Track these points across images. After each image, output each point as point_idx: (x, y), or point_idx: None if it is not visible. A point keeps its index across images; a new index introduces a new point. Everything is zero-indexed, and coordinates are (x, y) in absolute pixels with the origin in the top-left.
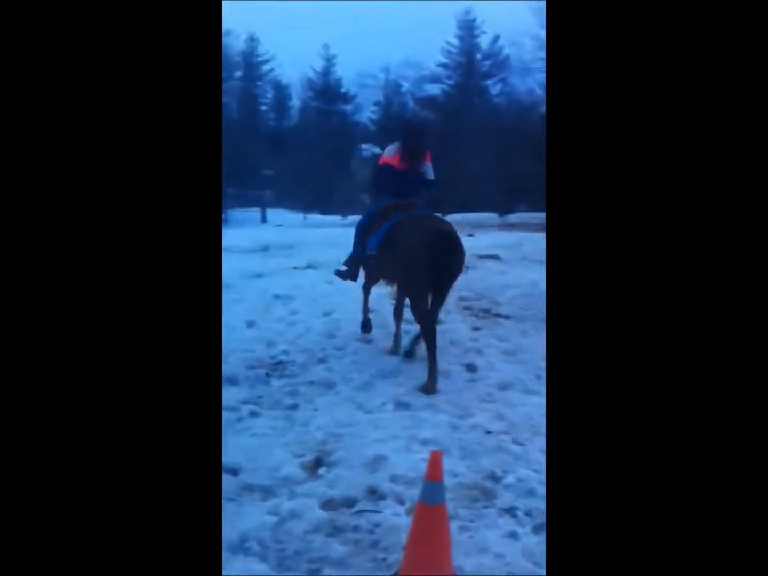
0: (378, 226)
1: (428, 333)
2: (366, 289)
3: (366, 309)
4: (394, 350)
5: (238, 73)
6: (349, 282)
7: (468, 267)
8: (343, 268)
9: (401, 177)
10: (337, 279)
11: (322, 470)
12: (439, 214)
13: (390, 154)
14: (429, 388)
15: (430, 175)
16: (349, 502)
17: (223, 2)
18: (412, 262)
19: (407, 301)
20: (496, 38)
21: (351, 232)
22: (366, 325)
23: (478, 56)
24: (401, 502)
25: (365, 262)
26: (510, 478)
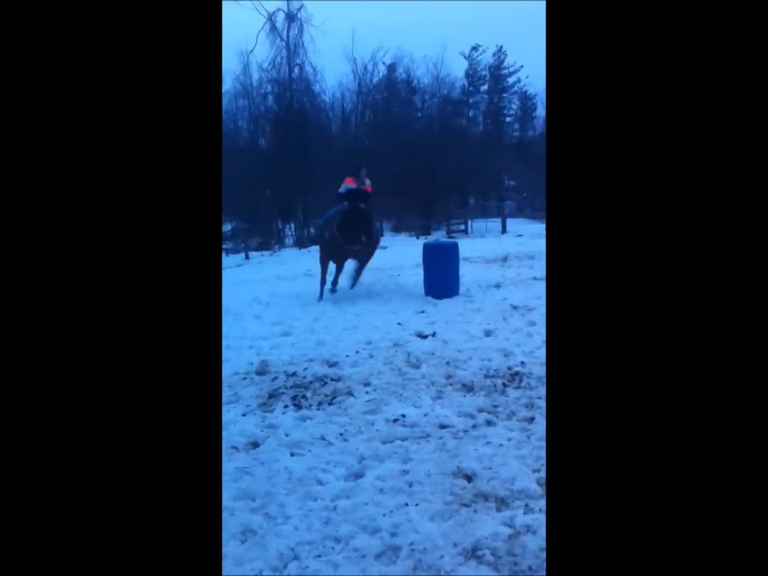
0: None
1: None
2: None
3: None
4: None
5: (484, 87)
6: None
7: None
8: None
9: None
10: None
11: None
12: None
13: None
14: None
15: (342, 189)
16: None
17: (467, 17)
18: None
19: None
20: None
21: None
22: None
23: None
24: None
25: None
26: None
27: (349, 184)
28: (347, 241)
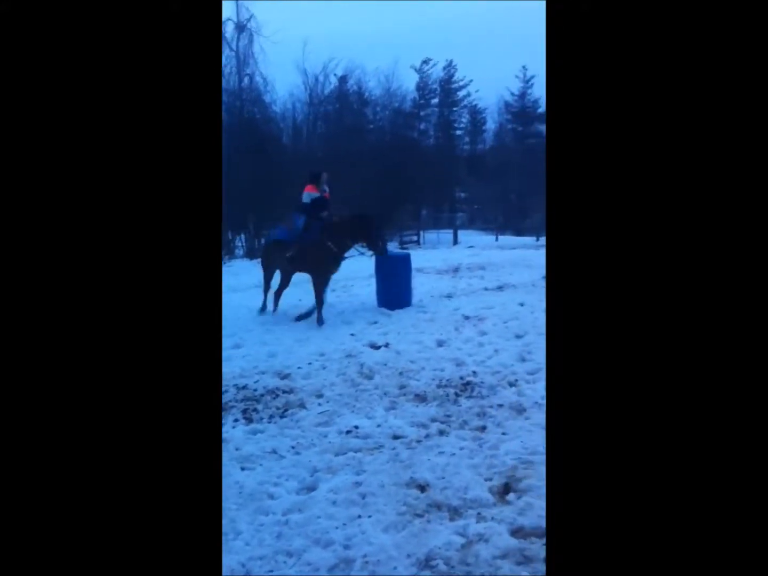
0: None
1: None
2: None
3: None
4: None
5: (435, 100)
6: (541, 306)
7: None
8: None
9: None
10: (530, 303)
11: (511, 496)
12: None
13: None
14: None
15: (306, 199)
16: (541, 533)
17: (421, 28)
18: None
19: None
20: None
21: (544, 254)
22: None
23: None
24: None
25: None
26: None
27: (310, 191)
28: (343, 249)
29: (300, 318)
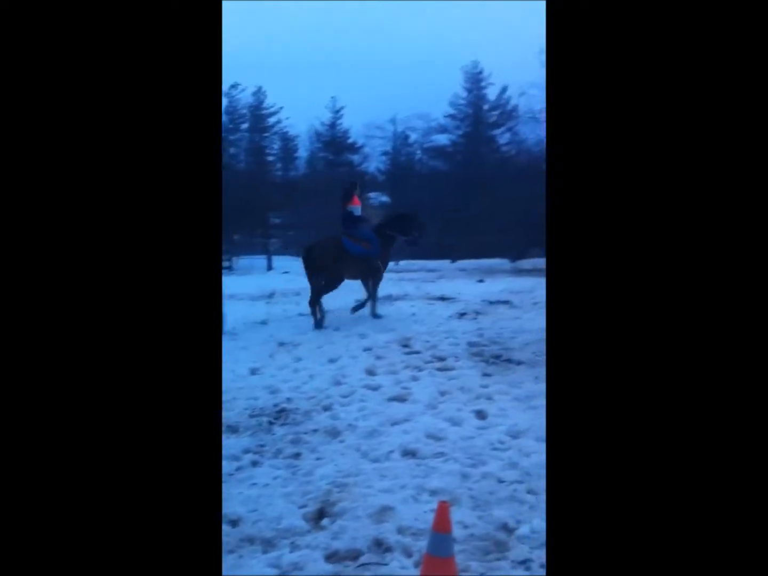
0: None
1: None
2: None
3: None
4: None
5: (245, 125)
6: (354, 330)
7: (478, 313)
8: None
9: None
10: (345, 327)
11: (325, 521)
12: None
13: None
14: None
15: (357, 212)
16: (354, 555)
17: (229, 53)
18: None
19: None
20: (504, 89)
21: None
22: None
23: (486, 107)
24: (408, 555)
25: None
26: (524, 529)
27: (357, 204)
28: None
29: (356, 309)
